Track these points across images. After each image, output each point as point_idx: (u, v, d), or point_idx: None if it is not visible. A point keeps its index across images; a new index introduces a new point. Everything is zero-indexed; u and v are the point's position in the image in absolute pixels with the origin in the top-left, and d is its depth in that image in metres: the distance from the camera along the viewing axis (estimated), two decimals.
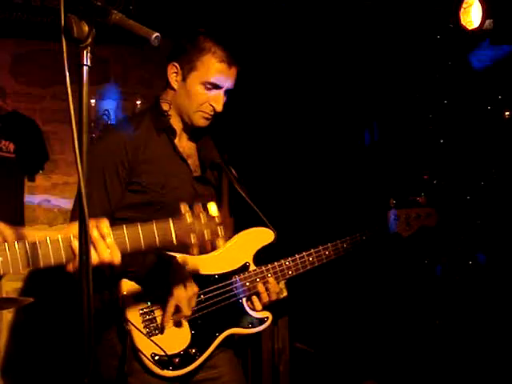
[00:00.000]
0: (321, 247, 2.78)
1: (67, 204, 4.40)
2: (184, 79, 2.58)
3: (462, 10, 3.62)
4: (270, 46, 4.46)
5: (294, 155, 4.54)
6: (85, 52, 1.48)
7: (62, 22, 1.46)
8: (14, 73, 4.52)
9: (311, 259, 2.75)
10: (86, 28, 1.47)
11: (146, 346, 2.41)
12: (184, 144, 2.68)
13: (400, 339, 3.97)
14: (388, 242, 3.01)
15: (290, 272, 2.71)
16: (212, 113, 2.60)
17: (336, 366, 4.06)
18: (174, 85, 2.60)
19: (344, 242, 2.83)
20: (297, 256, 2.73)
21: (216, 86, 2.57)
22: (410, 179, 4.00)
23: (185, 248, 2.07)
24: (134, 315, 2.40)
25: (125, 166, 2.49)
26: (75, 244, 1.71)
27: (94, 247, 1.80)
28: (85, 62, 1.48)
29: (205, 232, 2.02)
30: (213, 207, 2.08)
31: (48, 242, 1.71)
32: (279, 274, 2.69)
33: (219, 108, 2.59)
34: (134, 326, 2.38)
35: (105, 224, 1.84)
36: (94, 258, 1.79)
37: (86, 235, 1.44)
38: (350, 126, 4.51)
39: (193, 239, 1.98)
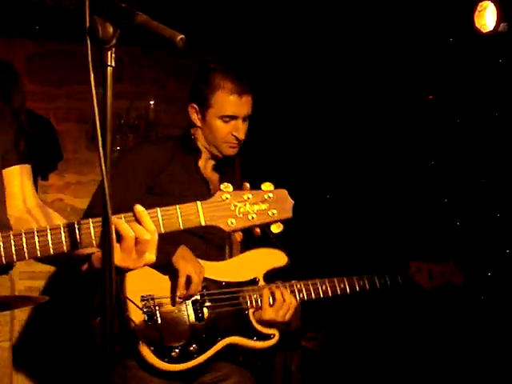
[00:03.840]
0: (336, 279, 2.78)
1: (80, 203, 4.42)
2: (204, 117, 2.78)
3: (476, 13, 3.63)
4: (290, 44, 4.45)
5: (318, 181, 4.47)
6: (109, 53, 1.49)
7: (87, 22, 1.46)
8: (29, 72, 4.54)
9: (324, 288, 2.76)
10: (111, 29, 1.48)
11: (146, 334, 2.43)
12: (208, 171, 2.85)
13: (410, 343, 3.97)
14: (409, 293, 2.95)
15: (301, 295, 2.71)
16: (236, 141, 2.77)
17: (347, 367, 4.07)
18: (197, 123, 2.81)
19: (360, 279, 2.84)
20: (310, 282, 2.74)
21: (233, 117, 2.74)
22: (439, 233, 3.84)
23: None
24: (135, 300, 2.42)
25: (148, 176, 2.66)
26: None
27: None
28: (109, 63, 1.49)
29: (249, 214, 1.69)
30: (268, 185, 1.75)
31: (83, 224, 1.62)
32: None
33: (241, 136, 2.76)
34: (134, 304, 2.39)
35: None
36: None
37: (110, 234, 1.46)
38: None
39: (229, 221, 1.68)
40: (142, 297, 2.46)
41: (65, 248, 1.62)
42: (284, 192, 1.75)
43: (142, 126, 4.71)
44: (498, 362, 3.46)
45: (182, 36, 1.45)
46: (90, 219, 1.63)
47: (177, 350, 2.47)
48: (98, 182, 4.67)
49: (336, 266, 2.83)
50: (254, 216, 1.69)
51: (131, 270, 1.67)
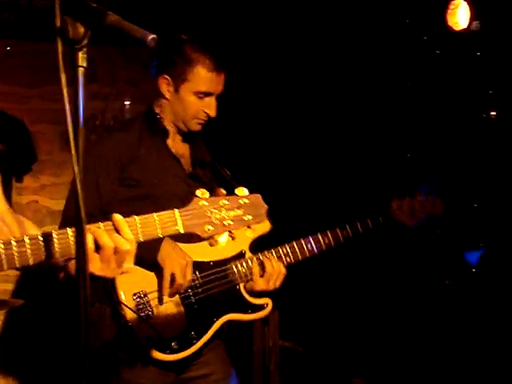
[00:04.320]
0: (319, 234, 2.77)
1: (56, 205, 4.37)
2: (176, 90, 2.69)
3: (449, 11, 3.66)
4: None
5: (293, 145, 4.54)
6: (80, 53, 1.47)
7: (58, 23, 1.45)
8: (1, 73, 4.48)
9: (309, 246, 2.76)
10: (82, 29, 1.46)
11: (142, 330, 2.42)
12: (177, 145, 2.76)
13: (390, 338, 3.99)
14: (393, 233, 2.98)
15: (288, 259, 2.71)
16: (206, 118, 2.71)
17: (326, 365, 4.07)
18: (167, 95, 2.71)
19: (344, 229, 2.83)
20: (294, 243, 2.74)
21: (208, 94, 2.68)
22: (415, 170, 4.00)
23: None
24: (128, 299, 2.41)
25: (117, 165, 2.59)
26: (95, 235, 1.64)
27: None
28: (80, 64, 1.47)
29: (225, 219, 1.75)
30: (245, 190, 1.83)
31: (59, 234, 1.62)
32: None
33: (213, 114, 2.70)
34: (128, 308, 2.39)
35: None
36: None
37: (83, 235, 1.44)
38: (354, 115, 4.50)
39: (206, 228, 1.73)
40: (134, 294, 2.45)
41: (43, 257, 1.61)
42: (258, 197, 1.83)
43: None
44: (486, 362, 3.51)
45: (154, 36, 1.44)
46: (68, 229, 1.62)
47: (176, 341, 2.47)
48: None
49: (318, 222, 2.82)
50: (230, 222, 1.75)
51: (108, 278, 1.68)
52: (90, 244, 1.61)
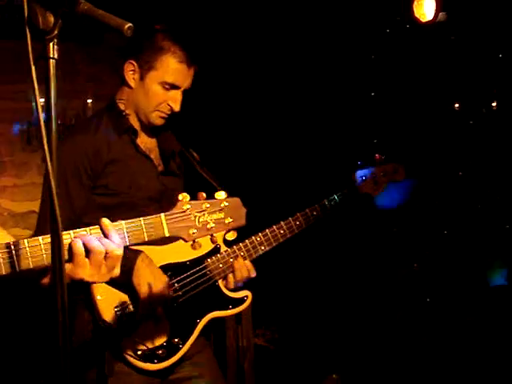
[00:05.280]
0: (290, 219, 2.79)
1: (18, 207, 4.26)
2: (142, 78, 2.55)
3: (415, 2, 3.66)
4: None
5: (252, 129, 4.54)
6: (51, 44, 1.39)
7: (26, 12, 1.37)
8: None
9: (282, 232, 2.76)
10: (52, 19, 1.38)
11: (127, 344, 2.37)
12: (145, 140, 2.66)
13: (362, 332, 3.99)
14: (359, 205, 3.02)
15: (263, 247, 2.71)
16: (169, 112, 2.59)
17: (300, 362, 4.06)
18: (131, 83, 2.58)
19: (313, 209, 2.86)
20: (267, 231, 2.74)
21: (174, 87, 2.56)
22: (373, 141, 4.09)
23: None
24: (110, 315, 2.34)
25: (87, 171, 2.47)
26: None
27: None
28: (52, 55, 1.39)
29: (208, 223, 1.81)
30: (222, 194, 1.87)
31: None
32: (252, 252, 2.68)
33: (177, 108, 2.58)
34: (110, 325, 2.32)
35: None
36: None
37: (59, 241, 1.37)
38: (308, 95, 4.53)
39: (191, 231, 1.78)
40: (116, 307, 2.37)
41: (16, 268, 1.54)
42: (237, 200, 1.89)
43: None
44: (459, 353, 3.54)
45: (130, 24, 1.37)
46: (40, 238, 1.56)
47: (163, 348, 2.43)
48: (36, 184, 4.59)
49: (287, 206, 2.83)
50: (213, 225, 1.82)
51: (95, 283, 1.67)
52: (80, 249, 1.58)
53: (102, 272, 1.62)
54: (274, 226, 2.75)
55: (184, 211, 1.77)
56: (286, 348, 4.22)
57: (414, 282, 3.96)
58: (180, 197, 1.77)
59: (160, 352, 2.41)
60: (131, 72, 2.55)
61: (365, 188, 2.97)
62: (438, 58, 3.78)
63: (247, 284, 2.69)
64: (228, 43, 4.42)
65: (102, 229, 1.64)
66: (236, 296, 2.65)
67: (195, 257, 2.58)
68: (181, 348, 2.47)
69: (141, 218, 1.69)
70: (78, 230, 1.60)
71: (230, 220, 1.85)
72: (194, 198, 1.83)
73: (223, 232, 2.44)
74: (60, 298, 1.37)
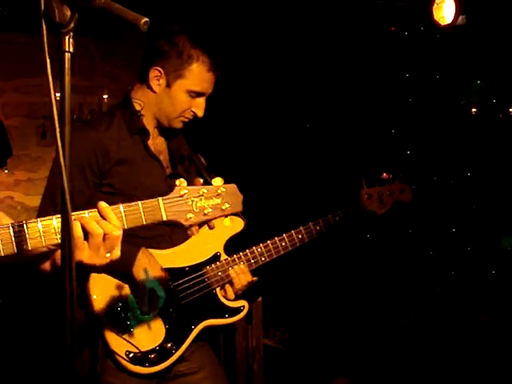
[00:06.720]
0: (293, 231, 2.77)
1: (31, 201, 4.27)
2: (168, 85, 2.52)
3: (434, 5, 3.64)
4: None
5: (263, 143, 4.54)
6: (67, 38, 1.38)
7: (42, 5, 1.36)
8: None
9: (284, 244, 2.73)
10: (69, 12, 1.37)
11: (119, 345, 2.35)
12: (155, 142, 2.63)
13: (373, 337, 3.97)
14: (363, 222, 3.02)
15: (263, 258, 2.68)
16: (192, 118, 2.58)
17: (310, 364, 4.04)
18: (156, 88, 2.54)
19: (317, 224, 2.83)
20: (269, 242, 2.71)
21: (200, 94, 2.55)
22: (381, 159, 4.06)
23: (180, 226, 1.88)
24: (104, 314, 2.33)
25: (94, 169, 2.44)
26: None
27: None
28: (67, 49, 1.38)
29: (205, 208, 1.80)
30: (218, 180, 1.87)
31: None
32: (252, 262, 2.66)
33: (201, 114, 2.57)
34: (106, 327, 2.31)
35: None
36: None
37: (69, 230, 1.36)
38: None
39: (188, 216, 1.78)
40: (110, 308, 2.36)
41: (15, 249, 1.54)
42: (234, 187, 1.88)
43: None
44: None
45: (146, 19, 1.36)
46: (39, 219, 1.56)
47: (155, 352, 2.40)
48: None
49: (291, 219, 2.82)
50: (210, 210, 1.81)
51: (97, 267, 1.65)
52: (78, 232, 1.58)
53: (101, 254, 1.62)
54: (276, 238, 2.73)
55: (181, 195, 1.77)
56: (296, 349, 4.21)
57: (425, 286, 3.93)
58: (177, 182, 1.77)
59: (152, 356, 2.38)
60: (156, 79, 2.53)
61: (370, 206, 2.96)
62: (455, 62, 3.75)
63: (255, 287, 2.67)
64: (233, 47, 4.39)
65: (99, 211, 1.64)
66: (233, 305, 2.62)
67: (194, 263, 2.57)
68: (173, 354, 2.44)
69: (139, 202, 1.68)
70: (77, 211, 1.59)
71: (227, 206, 1.84)
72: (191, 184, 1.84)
73: (228, 225, 2.45)
74: (68, 282, 1.36)
